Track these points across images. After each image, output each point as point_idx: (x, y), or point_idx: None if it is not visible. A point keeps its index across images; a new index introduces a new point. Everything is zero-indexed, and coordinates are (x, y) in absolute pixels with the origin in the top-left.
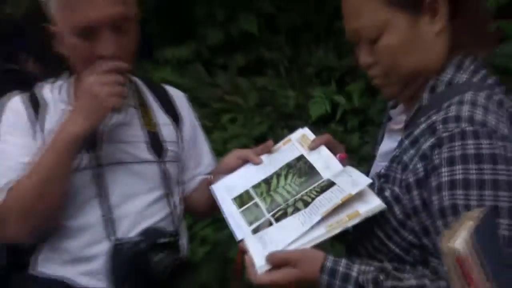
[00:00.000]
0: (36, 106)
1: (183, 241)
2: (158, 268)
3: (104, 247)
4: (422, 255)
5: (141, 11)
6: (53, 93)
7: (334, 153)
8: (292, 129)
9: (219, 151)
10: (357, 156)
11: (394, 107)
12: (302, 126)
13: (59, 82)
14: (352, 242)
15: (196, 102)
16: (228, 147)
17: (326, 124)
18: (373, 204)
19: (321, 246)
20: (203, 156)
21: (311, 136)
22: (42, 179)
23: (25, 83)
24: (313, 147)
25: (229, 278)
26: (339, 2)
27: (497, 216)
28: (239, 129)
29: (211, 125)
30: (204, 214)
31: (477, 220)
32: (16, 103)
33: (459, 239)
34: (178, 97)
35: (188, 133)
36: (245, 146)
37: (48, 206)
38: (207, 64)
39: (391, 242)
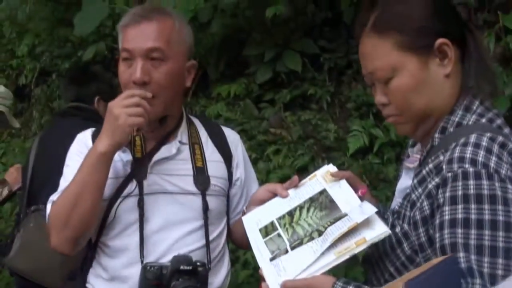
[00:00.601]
0: None
1: (219, 274)
2: None
3: (137, 269)
4: None
5: (199, 52)
6: None
7: (356, 189)
8: (331, 161)
9: (262, 181)
10: (393, 187)
11: (413, 145)
12: (341, 158)
13: None
14: (368, 274)
15: (244, 134)
16: (271, 176)
17: (364, 156)
18: (378, 230)
19: (334, 271)
20: (252, 193)
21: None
22: (75, 192)
23: (91, 119)
24: (334, 178)
25: None
26: None
27: (495, 256)
28: (283, 160)
29: (257, 156)
30: (245, 244)
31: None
32: (85, 136)
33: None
34: (233, 138)
35: (240, 172)
36: (287, 177)
37: (81, 216)
38: (256, 100)
39: (401, 276)
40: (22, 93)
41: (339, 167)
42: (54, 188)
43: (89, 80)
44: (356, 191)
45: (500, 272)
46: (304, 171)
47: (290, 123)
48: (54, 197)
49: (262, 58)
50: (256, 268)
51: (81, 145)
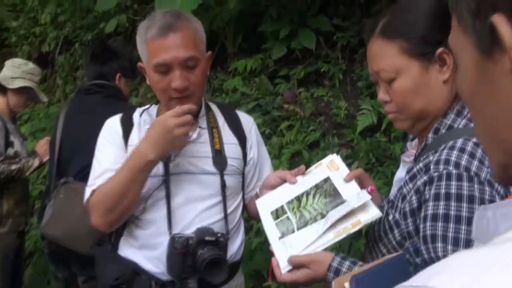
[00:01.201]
0: (127, 126)
1: (235, 243)
2: (199, 259)
3: (164, 239)
4: (416, 271)
5: (218, 26)
6: (141, 116)
7: (365, 186)
8: (341, 137)
9: (275, 155)
10: (398, 164)
11: (412, 139)
12: (350, 135)
13: (147, 107)
14: (365, 254)
15: (259, 110)
16: (284, 152)
17: (372, 134)
18: (371, 214)
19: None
20: (264, 172)
21: (338, 161)
22: (122, 186)
23: (113, 96)
24: (347, 180)
25: None
26: None
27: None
28: (295, 136)
29: (271, 131)
30: (258, 217)
31: (376, 264)
32: (114, 123)
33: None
34: (246, 121)
35: (253, 152)
36: (298, 152)
37: (126, 207)
38: (271, 75)
39: None
40: (45, 60)
41: (348, 143)
42: (81, 161)
43: (110, 58)
44: (365, 187)
45: None
46: (315, 147)
47: (303, 99)
48: (93, 182)
49: (278, 35)
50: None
51: (111, 132)
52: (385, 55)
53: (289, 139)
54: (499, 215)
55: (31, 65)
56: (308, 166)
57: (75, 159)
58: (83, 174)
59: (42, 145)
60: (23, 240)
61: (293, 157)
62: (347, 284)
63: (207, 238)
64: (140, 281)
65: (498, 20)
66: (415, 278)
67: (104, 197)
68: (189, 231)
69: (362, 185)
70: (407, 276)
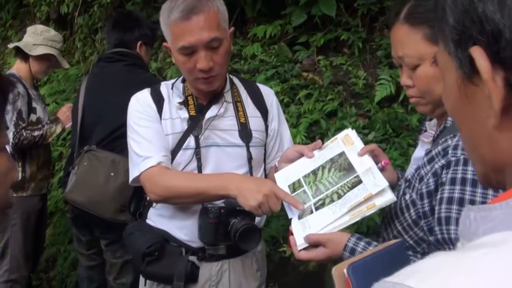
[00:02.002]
0: (159, 100)
1: None
2: (233, 228)
3: (197, 208)
4: (429, 249)
5: None
6: (168, 90)
7: (379, 160)
8: (359, 107)
9: (293, 124)
10: (415, 135)
11: (430, 119)
12: (367, 105)
13: (173, 82)
14: (380, 229)
15: (278, 78)
16: (302, 121)
17: (390, 104)
18: (386, 198)
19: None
20: (284, 143)
21: (353, 136)
22: (189, 194)
23: (135, 64)
24: (360, 154)
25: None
26: None
27: None
28: (313, 105)
29: (289, 99)
30: None
31: (375, 251)
32: (145, 97)
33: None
34: (267, 94)
35: (274, 124)
36: (316, 121)
37: (181, 202)
38: (290, 42)
39: (407, 235)
40: (64, 21)
41: (365, 113)
42: (103, 130)
43: (132, 25)
44: (379, 162)
45: None
46: (333, 116)
47: (322, 67)
48: (149, 155)
49: (298, 1)
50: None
51: (146, 107)
52: (409, 42)
53: (307, 108)
54: (480, 217)
55: (53, 32)
56: (325, 135)
57: (98, 127)
58: (106, 142)
59: (64, 112)
60: (45, 203)
61: (310, 126)
62: (345, 271)
63: (238, 207)
64: (171, 248)
65: (476, 52)
66: (396, 275)
67: (173, 188)
68: (219, 201)
69: (376, 159)
70: (401, 264)
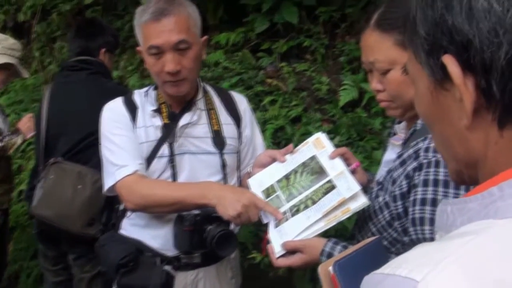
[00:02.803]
0: (132, 108)
1: None
2: (208, 235)
3: (171, 216)
4: (403, 249)
5: (201, 1)
6: (141, 98)
7: (350, 163)
8: (323, 112)
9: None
10: (378, 139)
11: (399, 122)
12: (332, 110)
13: (146, 90)
14: (354, 231)
15: (243, 84)
16: (268, 127)
17: (354, 109)
18: (360, 202)
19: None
20: (257, 150)
21: (324, 139)
22: (167, 203)
23: (99, 72)
24: (332, 157)
25: (261, 238)
26: None
27: None
28: (278, 111)
29: (254, 106)
30: None
31: (357, 248)
32: (118, 105)
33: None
34: (240, 101)
35: (247, 131)
36: (281, 127)
37: (158, 211)
38: (253, 49)
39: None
40: (21, 29)
41: (330, 118)
42: (68, 141)
43: (95, 33)
44: (350, 164)
45: None
46: (297, 122)
47: (286, 74)
48: (125, 163)
49: (260, 8)
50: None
51: (120, 116)
52: (380, 47)
53: (272, 114)
54: (456, 210)
55: (11, 40)
56: (291, 141)
57: (62, 138)
58: (72, 153)
59: (25, 122)
60: (7, 218)
61: (276, 132)
62: (331, 269)
63: (213, 214)
64: (146, 258)
65: (448, 61)
66: (385, 267)
67: (151, 196)
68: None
69: (347, 162)
70: (382, 259)
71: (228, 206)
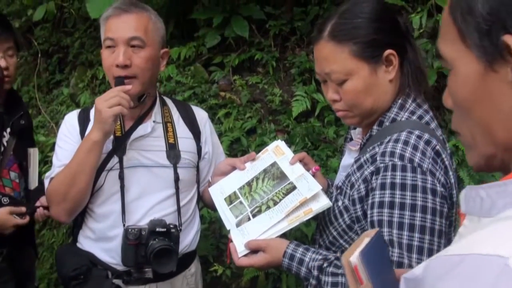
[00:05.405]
0: (84, 121)
1: (189, 234)
2: (150, 249)
3: (119, 231)
4: None
5: None
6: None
7: (309, 167)
8: (277, 123)
9: None
10: (332, 147)
11: (355, 128)
12: (286, 121)
13: None
14: (316, 236)
15: (196, 98)
16: (223, 139)
17: (307, 119)
18: (322, 203)
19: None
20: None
21: (283, 146)
22: (73, 172)
23: None
24: (292, 163)
25: (223, 249)
26: (320, 11)
27: (412, 231)
28: (233, 123)
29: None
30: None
31: (370, 239)
32: (72, 118)
33: (354, 253)
34: (201, 116)
35: (208, 147)
36: (237, 139)
37: (78, 192)
38: (205, 63)
39: (342, 239)
40: None
41: (284, 129)
42: None
43: None
44: (309, 169)
45: (416, 243)
46: (252, 133)
47: (239, 87)
48: (51, 174)
49: (211, 23)
50: (211, 222)
51: (70, 128)
52: (336, 58)
53: (227, 127)
54: (494, 193)
55: None
56: (246, 152)
57: None
58: None
59: None
60: None
61: (232, 144)
62: (352, 258)
63: (158, 229)
64: (97, 272)
65: (509, 39)
66: (454, 248)
67: (57, 184)
68: (143, 223)
69: (306, 167)
70: (386, 250)
71: (103, 100)
